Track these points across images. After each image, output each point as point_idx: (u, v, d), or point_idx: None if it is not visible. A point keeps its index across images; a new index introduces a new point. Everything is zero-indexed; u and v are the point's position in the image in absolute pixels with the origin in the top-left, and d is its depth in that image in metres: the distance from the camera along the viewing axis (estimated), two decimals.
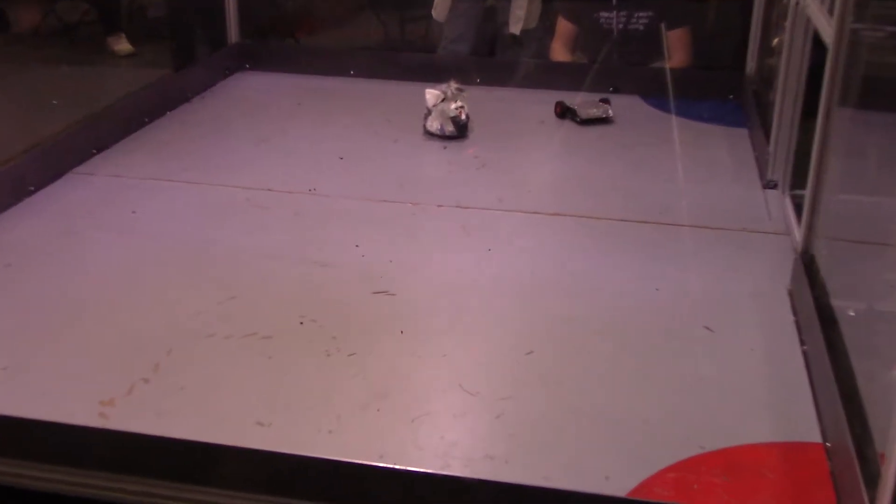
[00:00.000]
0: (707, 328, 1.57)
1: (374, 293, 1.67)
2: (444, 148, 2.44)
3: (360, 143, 2.49)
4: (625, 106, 2.72)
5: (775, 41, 2.56)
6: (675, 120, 2.62)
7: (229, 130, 2.55)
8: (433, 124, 2.38)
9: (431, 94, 2.36)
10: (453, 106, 2.34)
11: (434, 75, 2.68)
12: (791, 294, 1.66)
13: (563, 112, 2.48)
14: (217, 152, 2.38)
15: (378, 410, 1.33)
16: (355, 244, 1.88)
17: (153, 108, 2.59)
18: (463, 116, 2.36)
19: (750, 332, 1.56)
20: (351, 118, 2.69)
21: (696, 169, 2.31)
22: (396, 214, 2.06)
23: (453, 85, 2.36)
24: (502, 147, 2.41)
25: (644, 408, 1.34)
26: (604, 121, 2.54)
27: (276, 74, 3.03)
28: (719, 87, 2.80)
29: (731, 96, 2.80)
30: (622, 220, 2.02)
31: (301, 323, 1.56)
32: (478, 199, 2.12)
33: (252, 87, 2.95)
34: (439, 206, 2.10)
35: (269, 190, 2.15)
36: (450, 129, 2.34)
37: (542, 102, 2.74)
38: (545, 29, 3.22)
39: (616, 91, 2.83)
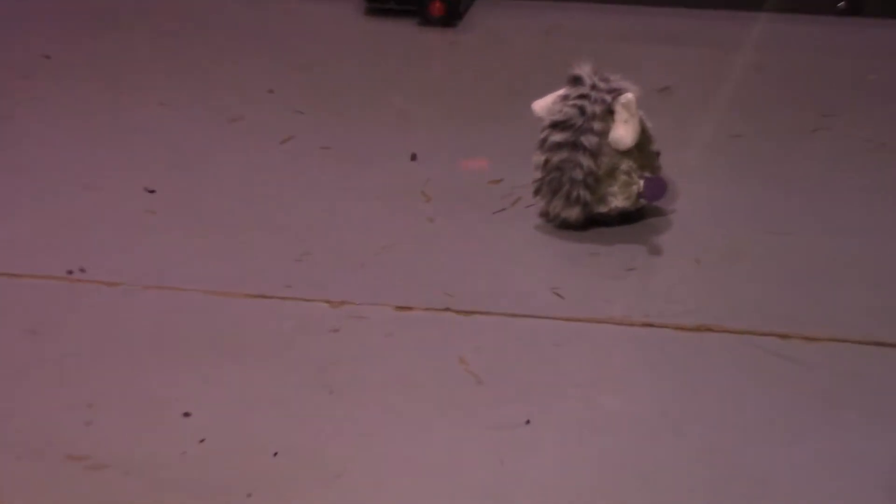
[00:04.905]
0: None
1: None
2: (413, 158, 2.36)
3: (191, 142, 2.44)
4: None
5: None
6: None
7: None
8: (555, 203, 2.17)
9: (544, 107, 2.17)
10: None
11: None
12: None
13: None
14: None
15: None
16: (183, 412, 1.75)
17: None
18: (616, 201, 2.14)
19: None
20: (171, 91, 2.63)
21: None
22: (296, 329, 1.95)
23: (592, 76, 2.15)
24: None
25: None
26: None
27: None
28: None
29: None
30: (865, 343, 1.92)
31: None
32: (492, 290, 2.03)
33: None
34: (400, 308, 1.99)
35: None
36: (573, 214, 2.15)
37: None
38: None
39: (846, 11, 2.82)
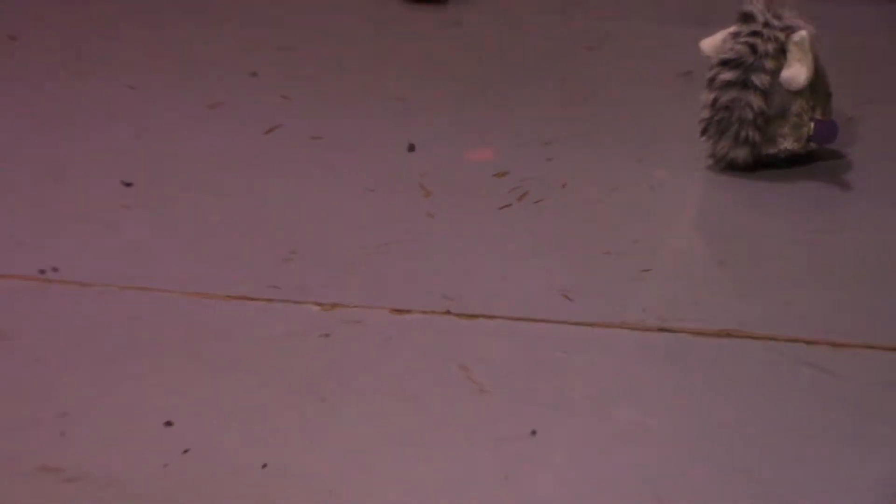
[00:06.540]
0: None
1: None
2: (411, 149, 2.36)
3: (167, 130, 2.44)
4: None
5: None
6: None
7: None
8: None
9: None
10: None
11: None
12: None
13: None
14: None
15: None
16: (164, 421, 1.77)
17: None
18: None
19: None
20: (142, 73, 2.64)
21: None
22: (284, 335, 1.95)
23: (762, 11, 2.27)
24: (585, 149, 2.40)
25: None
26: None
27: None
28: None
29: None
30: None
31: None
32: (497, 292, 2.05)
33: None
34: (397, 311, 2.00)
35: None
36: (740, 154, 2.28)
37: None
38: None
39: None
